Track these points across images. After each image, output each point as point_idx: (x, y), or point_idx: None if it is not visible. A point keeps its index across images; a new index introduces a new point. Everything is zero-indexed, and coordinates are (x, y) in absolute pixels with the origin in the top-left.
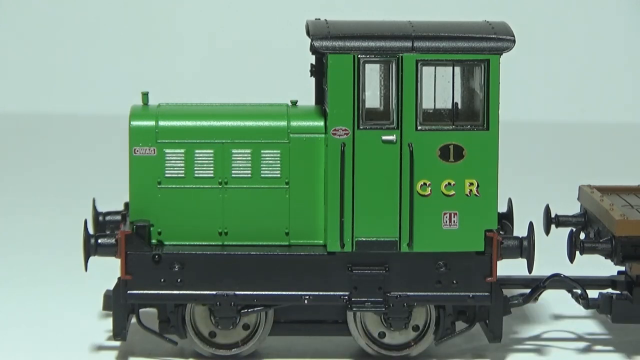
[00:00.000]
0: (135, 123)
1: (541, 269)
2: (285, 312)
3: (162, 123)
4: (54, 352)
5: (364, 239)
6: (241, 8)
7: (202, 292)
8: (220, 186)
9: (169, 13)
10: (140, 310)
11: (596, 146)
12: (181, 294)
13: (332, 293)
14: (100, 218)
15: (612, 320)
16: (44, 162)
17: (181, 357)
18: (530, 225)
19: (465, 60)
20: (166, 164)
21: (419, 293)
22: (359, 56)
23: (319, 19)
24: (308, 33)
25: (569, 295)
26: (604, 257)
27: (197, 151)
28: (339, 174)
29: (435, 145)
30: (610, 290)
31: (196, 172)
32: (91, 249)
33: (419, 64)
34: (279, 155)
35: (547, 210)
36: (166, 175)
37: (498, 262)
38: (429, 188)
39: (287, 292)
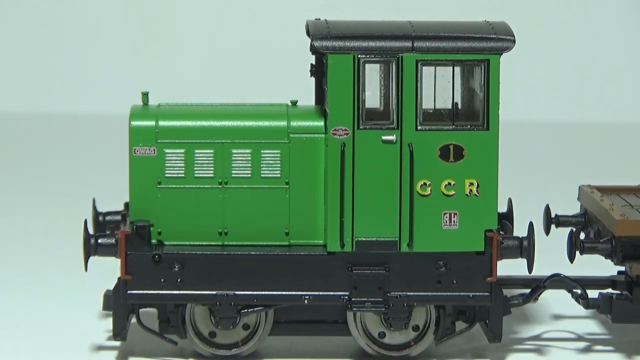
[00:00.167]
0: (135, 123)
1: (541, 269)
2: (285, 312)
3: (162, 123)
4: (54, 352)
5: (364, 239)
6: (241, 8)
7: (202, 292)
8: (220, 186)
9: (169, 13)
10: (140, 310)
11: (596, 146)
12: (181, 294)
13: (332, 293)
14: (100, 218)
15: (612, 320)
16: (44, 162)
17: (181, 357)
18: (530, 225)
19: (465, 60)
20: (166, 164)
21: (419, 293)
22: (359, 56)
23: (319, 19)
24: (308, 33)
25: (569, 295)
26: (604, 257)
27: (197, 151)
28: (339, 174)
29: (435, 145)
30: (610, 290)
31: (196, 172)
32: (91, 249)
33: (419, 64)
34: (279, 155)
35: (547, 210)
36: (166, 175)
37: (498, 262)
38: (429, 188)
39: (287, 292)
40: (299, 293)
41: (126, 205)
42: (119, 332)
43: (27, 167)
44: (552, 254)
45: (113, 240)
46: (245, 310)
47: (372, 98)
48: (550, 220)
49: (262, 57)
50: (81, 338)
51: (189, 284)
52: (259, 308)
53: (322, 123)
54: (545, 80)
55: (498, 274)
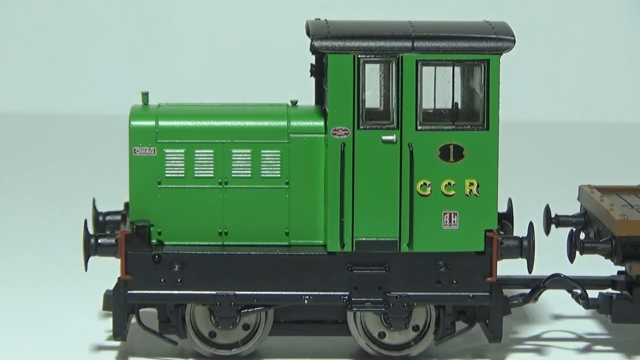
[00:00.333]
0: (135, 123)
1: (541, 269)
2: (285, 312)
3: (162, 123)
4: (54, 352)
5: (364, 239)
6: (241, 8)
7: (202, 292)
8: (220, 186)
9: (169, 13)
10: (140, 310)
11: (596, 146)
12: (181, 294)
13: (332, 293)
14: (100, 218)
15: (612, 320)
16: (44, 162)
17: (181, 357)
18: (530, 225)
19: (465, 60)
20: (166, 164)
21: (419, 293)
22: (359, 56)
23: (319, 19)
24: (308, 33)
25: (569, 295)
26: (604, 257)
27: (197, 151)
28: (339, 174)
29: (435, 145)
30: (610, 290)
31: (196, 172)
32: (91, 249)
33: (419, 64)
34: (279, 155)
35: (547, 210)
36: (166, 175)
37: (498, 262)
38: (429, 188)
39: (287, 292)
40: (299, 293)
41: (126, 205)
42: (119, 332)
43: (27, 167)
44: (552, 254)
45: (113, 240)
46: (245, 310)
47: (372, 98)
48: (550, 220)
49: (262, 57)
50: (81, 338)
51: (189, 284)
52: (259, 308)
53: (322, 123)
54: (545, 80)
55: (498, 274)
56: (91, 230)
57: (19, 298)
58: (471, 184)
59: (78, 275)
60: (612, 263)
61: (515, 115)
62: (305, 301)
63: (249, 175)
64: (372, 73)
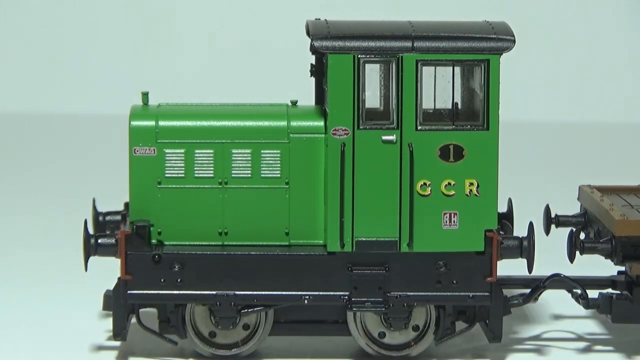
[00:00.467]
0: (135, 123)
1: (541, 269)
2: (285, 312)
3: (162, 123)
4: (54, 352)
5: (364, 239)
6: (241, 8)
7: (202, 292)
8: (220, 186)
9: (169, 13)
10: (140, 310)
11: (596, 146)
12: (181, 294)
13: (332, 293)
14: (100, 218)
15: (612, 320)
16: (44, 162)
17: (181, 357)
18: (530, 225)
19: (465, 60)
20: (166, 164)
21: (419, 293)
22: (359, 56)
23: (319, 19)
24: (308, 33)
25: (569, 295)
26: (604, 257)
27: (197, 151)
28: (339, 174)
29: (435, 145)
30: (610, 290)
31: (196, 172)
32: (91, 249)
33: (419, 64)
34: (279, 155)
35: (547, 210)
36: (166, 175)
37: (498, 262)
38: (429, 188)
39: (287, 292)
40: (299, 293)
41: (126, 205)
42: (119, 332)
43: (27, 167)
44: (552, 254)
45: (113, 240)
46: (245, 310)
47: (372, 98)
48: (550, 220)
49: (262, 57)
50: (81, 338)
51: (189, 284)
52: (259, 308)
53: (322, 123)
54: (545, 80)
55: (498, 274)
56: (91, 230)
57: (19, 298)
58: (471, 184)
59: (78, 275)
60: (612, 263)
61: (515, 115)
62: (305, 301)
63: (249, 175)
64: (372, 73)
